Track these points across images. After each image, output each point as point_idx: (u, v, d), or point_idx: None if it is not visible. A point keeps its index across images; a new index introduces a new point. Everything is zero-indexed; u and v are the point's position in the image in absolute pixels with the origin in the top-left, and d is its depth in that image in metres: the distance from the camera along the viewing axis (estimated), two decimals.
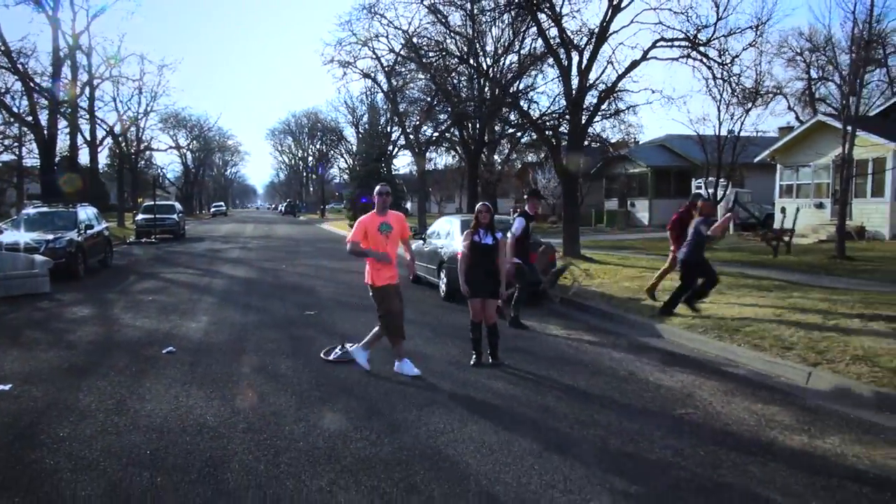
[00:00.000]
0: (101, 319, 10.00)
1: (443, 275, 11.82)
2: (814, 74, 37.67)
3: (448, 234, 12.20)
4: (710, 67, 16.93)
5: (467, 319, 7.18)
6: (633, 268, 15.09)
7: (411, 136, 32.21)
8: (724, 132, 21.75)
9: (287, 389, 6.04)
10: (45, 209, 18.14)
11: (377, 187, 6.68)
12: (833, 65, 27.99)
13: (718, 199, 22.16)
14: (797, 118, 37.48)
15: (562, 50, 16.92)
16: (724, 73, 16.43)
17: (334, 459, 4.37)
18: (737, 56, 16.01)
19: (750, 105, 19.70)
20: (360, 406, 5.55)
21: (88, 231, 16.91)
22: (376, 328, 6.68)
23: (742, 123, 20.38)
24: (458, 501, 3.75)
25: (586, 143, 29.19)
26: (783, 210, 27.63)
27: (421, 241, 13.97)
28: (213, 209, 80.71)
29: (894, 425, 5.13)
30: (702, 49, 16.09)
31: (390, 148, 43.01)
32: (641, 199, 38.12)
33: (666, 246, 13.65)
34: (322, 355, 7.24)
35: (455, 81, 25.76)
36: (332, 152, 68.60)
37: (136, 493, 3.88)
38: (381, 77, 30.66)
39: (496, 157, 43.87)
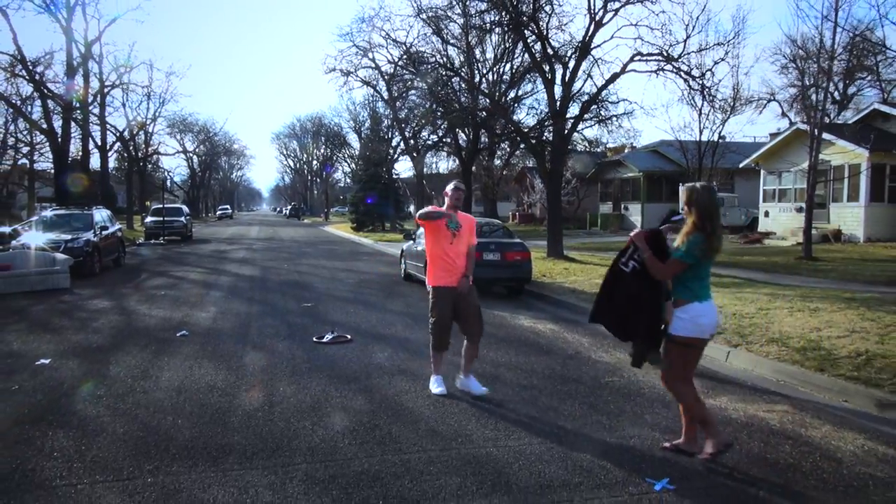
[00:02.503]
0: (120, 310, 11.17)
1: None
2: (807, 81, 38.80)
3: None
4: (685, 80, 18.09)
5: None
6: (608, 267, 16.20)
7: (410, 142, 33.42)
8: (708, 138, 22.88)
9: (283, 363, 7.18)
10: (62, 211, 19.34)
11: (450, 184, 6.28)
12: (823, 71, 29.21)
13: None
14: (791, 123, 38.58)
15: (546, 65, 18.08)
16: (697, 84, 17.54)
17: (317, 409, 5.51)
18: (708, 70, 17.13)
19: (728, 114, 20.76)
20: (342, 375, 6.68)
21: (103, 232, 18.12)
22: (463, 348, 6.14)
23: (721, 130, 21.38)
24: (409, 434, 4.87)
25: (582, 148, 30.47)
26: (767, 213, 28.82)
27: (411, 241, 15.14)
28: (218, 212, 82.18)
29: (778, 390, 6.25)
30: (675, 63, 17.20)
31: (391, 152, 44.24)
32: (634, 202, 39.20)
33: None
34: (315, 339, 8.37)
35: (455, 87, 26.99)
36: (335, 156, 69.99)
37: (163, 429, 5.02)
38: (381, 84, 31.94)
39: (496, 161, 45.09)
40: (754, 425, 5.17)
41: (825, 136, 23.94)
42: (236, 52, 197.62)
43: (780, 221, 27.09)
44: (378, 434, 4.89)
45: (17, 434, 4.94)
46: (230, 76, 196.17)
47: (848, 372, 6.35)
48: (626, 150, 41.47)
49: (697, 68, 17.08)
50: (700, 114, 20.70)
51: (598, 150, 43.10)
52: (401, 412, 5.44)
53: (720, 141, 22.40)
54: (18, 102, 32.32)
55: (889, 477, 4.21)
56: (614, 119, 20.48)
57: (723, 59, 17.36)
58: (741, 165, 29.38)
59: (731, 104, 20.49)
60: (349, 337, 8.45)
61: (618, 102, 20.18)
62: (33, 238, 16.34)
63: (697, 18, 16.40)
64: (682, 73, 17.75)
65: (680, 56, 16.73)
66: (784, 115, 40.75)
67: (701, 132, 21.49)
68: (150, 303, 11.80)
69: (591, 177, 42.57)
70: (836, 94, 39.98)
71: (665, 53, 17.18)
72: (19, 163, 44.78)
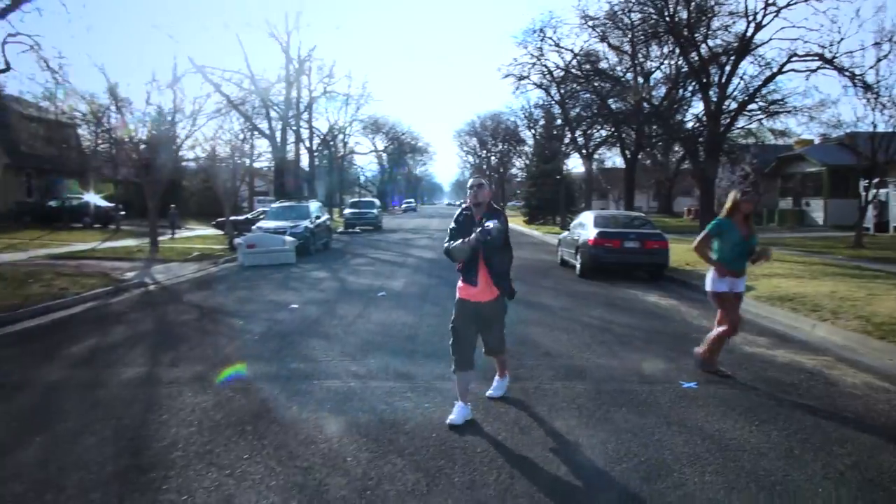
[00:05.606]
0: (336, 278, 14.70)
1: (578, 256, 15.11)
2: None
3: (583, 226, 15.44)
4: (849, 77, 18.31)
5: (590, 288, 10.59)
6: None
7: (580, 140, 35.23)
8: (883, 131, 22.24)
9: (448, 313, 9.87)
10: (286, 204, 23.98)
11: (470, 181, 5.37)
12: None
13: (870, 199, 22.72)
14: None
15: (702, 70, 19.23)
16: (860, 82, 17.76)
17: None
18: (871, 67, 17.32)
19: None
20: None
21: (317, 220, 22.34)
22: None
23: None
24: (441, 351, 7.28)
25: (758, 143, 30.41)
26: None
27: (566, 232, 17.38)
28: (403, 205, 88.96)
29: (835, 350, 7.77)
30: (834, 63, 17.59)
31: (563, 149, 46.15)
32: (816, 198, 37.63)
33: (812, 244, 15.37)
34: None
35: (619, 88, 28.46)
36: (511, 151, 73.10)
37: (376, 342, 7.92)
38: (552, 88, 34.09)
39: (672, 157, 45.18)
40: (790, 365, 6.91)
41: None
42: (420, 51, 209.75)
43: None
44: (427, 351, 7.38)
45: (290, 339, 8.08)
46: (417, 76, 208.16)
47: None
48: (815, 143, 39.89)
49: (858, 67, 17.32)
50: (874, 109, 20.35)
51: (781, 142, 41.69)
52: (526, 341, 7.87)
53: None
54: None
55: (865, 395, 5.88)
56: (774, 118, 20.93)
57: (885, 58, 17.34)
58: None
59: None
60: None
61: (776, 102, 20.60)
62: (268, 224, 20.86)
63: (852, 19, 16.63)
64: (844, 72, 18.04)
65: (833, 57, 17.16)
66: None
67: (874, 127, 21.01)
68: (356, 275, 15.26)
69: (770, 171, 41.37)
70: None
71: (824, 54, 17.64)
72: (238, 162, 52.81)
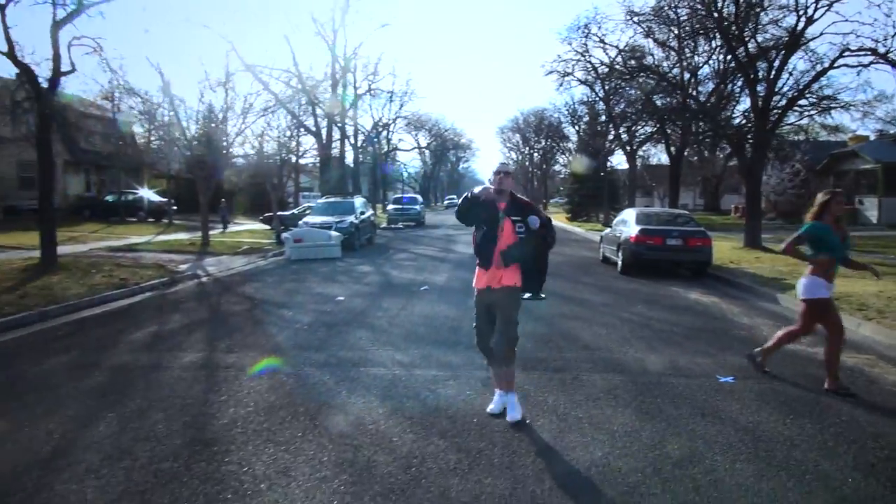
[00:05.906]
0: (380, 273, 15.06)
1: (620, 253, 15.15)
2: None
3: (625, 223, 15.45)
4: None
5: (631, 285, 10.67)
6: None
7: (624, 136, 34.93)
8: None
9: None
10: (332, 199, 24.52)
11: (497, 166, 5.18)
12: None
13: None
14: None
15: (749, 66, 18.94)
16: None
17: None
18: None
19: None
20: (532, 314, 9.42)
21: (361, 216, 22.79)
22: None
23: None
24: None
25: (809, 139, 29.72)
26: None
27: (609, 229, 17.41)
28: (446, 202, 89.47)
29: (880, 349, 7.73)
30: (889, 57, 17.15)
31: (607, 145, 45.76)
32: (870, 196, 36.55)
33: (864, 243, 15.08)
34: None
35: (665, 83, 28.16)
36: (555, 148, 72.78)
37: (419, 332, 8.20)
38: (597, 84, 33.90)
39: (719, 154, 44.41)
40: None
41: None
42: (463, 47, 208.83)
43: None
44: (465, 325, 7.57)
45: (337, 329, 8.43)
46: (460, 72, 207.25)
47: None
48: (870, 139, 38.80)
49: None
50: None
51: (834, 139, 40.68)
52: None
53: None
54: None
55: None
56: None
57: None
58: None
59: None
60: (543, 296, 11.12)
61: (827, 97, 20.14)
62: (315, 219, 21.39)
63: None
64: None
65: (887, 52, 16.72)
66: None
67: None
68: (399, 269, 15.60)
69: (822, 169, 40.31)
70: None
71: (877, 49, 17.20)
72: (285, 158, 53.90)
